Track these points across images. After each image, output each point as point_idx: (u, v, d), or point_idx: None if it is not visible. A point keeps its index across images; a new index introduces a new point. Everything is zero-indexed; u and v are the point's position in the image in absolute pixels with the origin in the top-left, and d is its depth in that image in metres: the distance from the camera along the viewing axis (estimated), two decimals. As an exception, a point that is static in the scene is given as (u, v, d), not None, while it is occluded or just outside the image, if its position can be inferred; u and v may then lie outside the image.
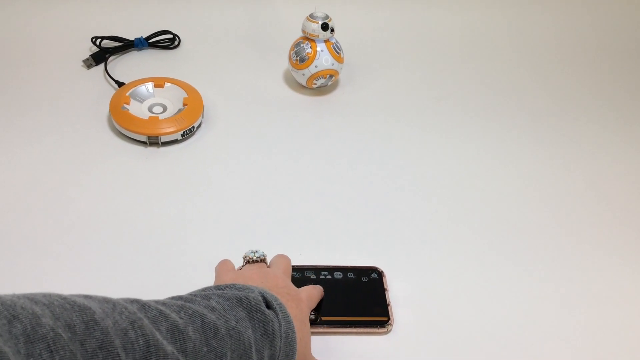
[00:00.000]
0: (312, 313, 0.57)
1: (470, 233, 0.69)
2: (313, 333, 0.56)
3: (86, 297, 0.35)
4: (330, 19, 0.83)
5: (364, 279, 0.62)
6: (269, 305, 0.46)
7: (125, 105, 0.78)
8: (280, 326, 0.44)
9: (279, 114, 0.85)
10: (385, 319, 0.58)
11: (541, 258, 0.67)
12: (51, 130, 0.77)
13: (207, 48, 0.97)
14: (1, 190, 0.69)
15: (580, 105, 0.92)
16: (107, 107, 0.80)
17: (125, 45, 0.93)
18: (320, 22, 0.82)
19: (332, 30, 0.83)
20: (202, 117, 0.81)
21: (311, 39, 0.83)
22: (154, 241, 0.65)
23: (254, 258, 0.55)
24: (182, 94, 0.81)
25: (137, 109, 0.78)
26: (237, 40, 0.99)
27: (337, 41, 0.86)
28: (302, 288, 0.55)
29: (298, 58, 0.84)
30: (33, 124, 0.78)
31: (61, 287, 0.58)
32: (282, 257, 0.58)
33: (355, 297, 0.60)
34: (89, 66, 0.89)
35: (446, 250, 0.67)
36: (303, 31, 0.84)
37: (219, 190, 0.72)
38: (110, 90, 0.85)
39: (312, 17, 0.82)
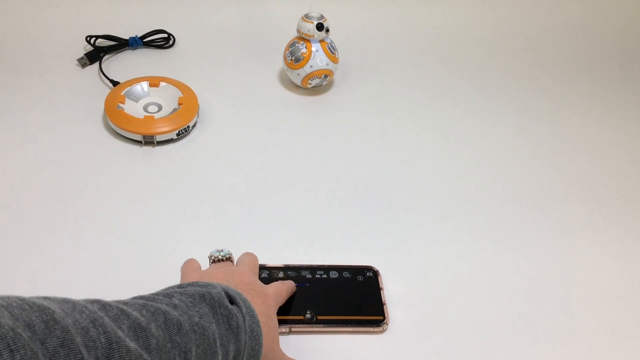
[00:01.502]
0: (308, 312, 0.57)
1: (465, 232, 0.70)
2: (309, 332, 0.56)
3: (45, 298, 0.35)
4: (325, 19, 0.83)
5: (360, 278, 0.62)
6: (232, 301, 0.46)
7: (121, 105, 0.77)
8: (244, 321, 0.45)
9: (273, 114, 0.85)
10: (381, 318, 0.58)
11: (536, 257, 0.67)
12: (46, 129, 0.77)
13: (202, 47, 0.97)
14: (-5, 189, 0.69)
15: (572, 103, 0.93)
16: (102, 106, 0.80)
17: (120, 45, 0.93)
18: (315, 22, 0.82)
19: (327, 30, 0.83)
20: (197, 117, 0.81)
21: (306, 39, 0.83)
22: (149, 240, 0.65)
23: (220, 257, 0.55)
24: (177, 94, 0.81)
25: (132, 108, 0.78)
26: (232, 40, 0.99)
27: (332, 41, 0.86)
28: (270, 284, 0.55)
29: (293, 58, 0.84)
30: (27, 123, 0.78)
31: (55, 285, 0.58)
32: (248, 255, 0.58)
33: (350, 296, 0.60)
34: (83, 65, 0.89)
35: (441, 249, 0.67)
36: (298, 31, 0.84)
37: (214, 189, 0.72)
38: (105, 89, 0.85)
39: (307, 17, 0.83)
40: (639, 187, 0.79)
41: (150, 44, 0.95)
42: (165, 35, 0.96)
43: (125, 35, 0.94)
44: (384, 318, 0.58)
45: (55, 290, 0.59)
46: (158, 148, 0.77)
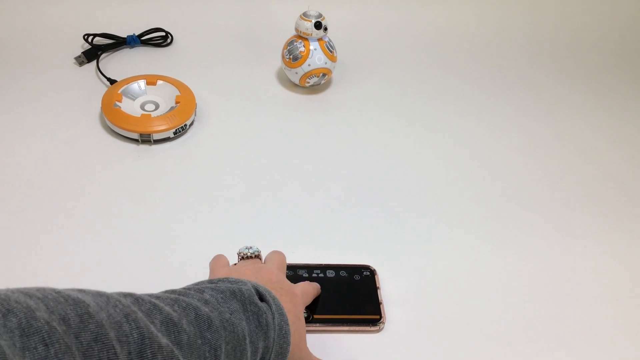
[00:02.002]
0: (305, 311, 0.57)
1: (462, 231, 0.69)
2: (306, 331, 0.56)
3: (80, 290, 0.35)
4: (324, 18, 0.83)
5: (357, 277, 0.62)
6: (262, 298, 0.46)
7: (118, 103, 0.77)
8: (273, 318, 0.45)
9: (271, 112, 0.84)
10: (378, 317, 0.58)
11: (534, 256, 0.67)
12: (43, 128, 0.77)
13: (200, 46, 0.96)
14: (-8, 187, 0.68)
15: (573, 103, 0.93)
16: (99, 105, 0.80)
17: (118, 43, 0.93)
18: (313, 21, 0.82)
19: (325, 28, 0.83)
20: (195, 115, 0.80)
21: (304, 38, 0.83)
22: (146, 239, 0.65)
23: (248, 254, 0.55)
24: (174, 92, 0.81)
25: (129, 107, 0.78)
26: (230, 38, 0.99)
27: (330, 40, 0.86)
28: (297, 284, 0.55)
29: (291, 56, 0.84)
30: (24, 121, 0.78)
31: (53, 284, 0.58)
32: (276, 253, 0.58)
33: (347, 295, 0.60)
34: (80, 63, 0.89)
35: (438, 248, 0.67)
36: (296, 29, 0.84)
37: (212, 188, 0.72)
38: (102, 87, 0.85)
39: (305, 15, 0.82)
40: (639, 186, 0.79)
41: (148, 43, 0.95)
42: (163, 34, 0.95)
43: (123, 33, 0.93)
44: (381, 317, 0.58)
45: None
46: (155, 146, 0.76)
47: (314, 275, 0.61)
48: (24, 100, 0.81)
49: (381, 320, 0.57)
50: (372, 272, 0.62)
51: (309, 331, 0.56)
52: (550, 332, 0.59)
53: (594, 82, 0.99)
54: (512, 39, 1.07)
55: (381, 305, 0.59)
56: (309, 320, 0.57)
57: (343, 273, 0.62)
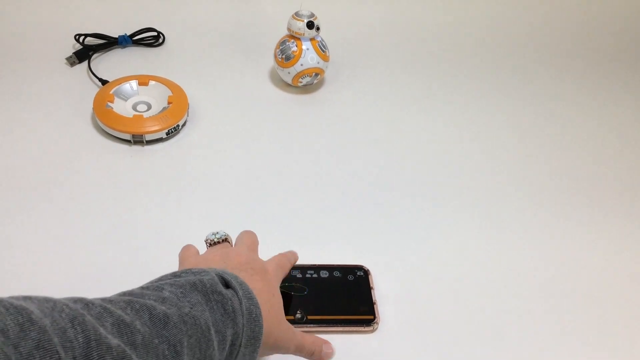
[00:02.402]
0: (299, 312, 0.57)
1: (455, 231, 0.70)
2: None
3: (26, 298, 0.34)
4: (316, 17, 0.83)
5: (350, 277, 0.62)
6: (228, 285, 0.46)
7: (109, 104, 0.77)
8: (241, 304, 0.44)
9: (264, 112, 0.84)
10: (371, 317, 0.58)
11: (528, 255, 0.68)
12: (34, 128, 0.77)
13: (191, 46, 0.96)
14: (-17, 189, 0.68)
15: (564, 100, 0.93)
16: (91, 105, 0.79)
17: (109, 43, 0.92)
18: (305, 21, 0.82)
19: (318, 28, 0.83)
20: (187, 115, 0.80)
21: (297, 37, 0.83)
22: (139, 240, 0.64)
23: (215, 240, 0.55)
24: (166, 92, 0.80)
25: (121, 107, 0.78)
26: (222, 38, 0.98)
27: (322, 39, 0.86)
28: (271, 258, 0.55)
29: (284, 56, 0.84)
30: (15, 122, 0.77)
31: (42, 285, 0.58)
32: (246, 233, 0.58)
33: (341, 295, 0.60)
34: (72, 64, 0.88)
35: (432, 248, 0.67)
36: (288, 29, 0.83)
37: (205, 188, 0.71)
38: (94, 88, 0.84)
39: (297, 15, 0.82)
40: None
41: (139, 42, 0.94)
42: (155, 34, 0.95)
43: (114, 33, 0.93)
44: (375, 317, 0.58)
45: (41, 290, 0.58)
46: (147, 147, 0.76)
47: (308, 275, 0.61)
48: (15, 100, 0.81)
49: (375, 320, 0.58)
50: (366, 273, 0.62)
51: (303, 332, 0.56)
52: (545, 330, 0.59)
53: (593, 77, 0.99)
54: (508, 33, 1.07)
55: (375, 306, 0.59)
56: (303, 321, 0.57)
57: (337, 273, 0.62)
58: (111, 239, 0.64)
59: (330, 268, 0.62)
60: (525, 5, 1.12)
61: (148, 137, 0.75)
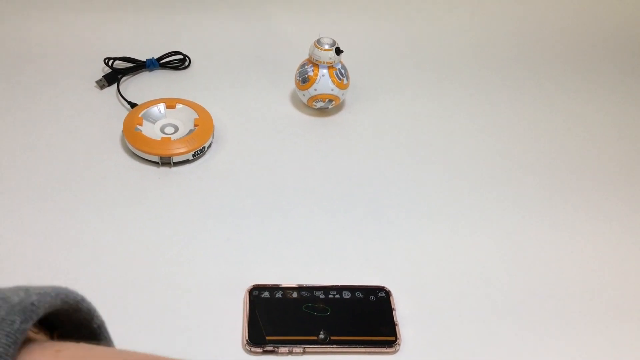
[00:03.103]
0: (322, 332, 0.59)
1: (477, 252, 0.71)
2: (323, 353, 0.58)
3: None
4: (336, 45, 0.84)
5: (372, 298, 0.63)
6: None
7: (138, 127, 0.80)
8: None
9: (287, 134, 0.86)
10: (393, 338, 0.59)
11: (551, 277, 0.68)
12: (65, 151, 0.79)
13: (216, 68, 0.99)
14: (14, 208, 0.71)
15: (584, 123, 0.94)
16: (120, 128, 0.82)
17: (137, 66, 0.95)
18: (326, 48, 0.84)
19: (338, 52, 0.85)
20: (212, 137, 0.82)
21: (315, 63, 0.85)
22: (165, 259, 0.67)
23: None
24: (193, 115, 0.83)
25: (149, 130, 0.80)
26: (245, 60, 1.01)
27: (342, 66, 0.87)
28: None
29: (300, 79, 0.86)
30: (47, 144, 0.80)
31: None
32: None
33: (363, 316, 0.61)
34: (102, 87, 0.91)
35: (453, 269, 0.68)
36: (310, 55, 0.86)
37: (229, 209, 0.74)
38: (123, 110, 0.87)
39: (319, 43, 0.84)
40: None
41: (166, 66, 0.97)
42: (181, 57, 0.98)
43: (142, 57, 0.96)
44: (396, 339, 0.59)
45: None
46: (174, 169, 0.78)
47: (331, 296, 0.63)
48: (47, 123, 0.84)
49: (397, 341, 0.59)
50: (387, 294, 0.64)
51: (326, 352, 0.58)
52: (572, 351, 0.60)
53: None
54: (526, 54, 1.08)
55: (397, 327, 0.60)
56: (326, 341, 0.58)
57: (359, 294, 0.63)
58: (138, 258, 0.66)
59: (352, 289, 0.64)
60: (555, 38, 1.14)
61: (175, 159, 0.78)
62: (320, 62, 0.85)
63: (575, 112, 0.96)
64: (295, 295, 0.62)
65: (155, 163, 0.78)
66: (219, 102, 0.90)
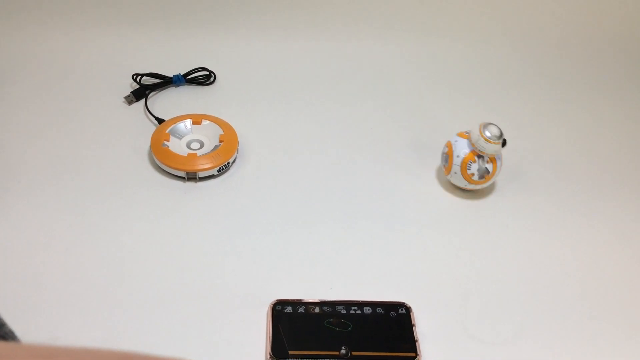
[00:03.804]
0: (343, 348, 0.60)
1: (498, 270, 0.71)
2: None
3: None
4: (503, 137, 0.76)
5: (392, 314, 0.64)
6: None
7: (166, 142, 0.82)
8: None
9: (306, 149, 0.88)
10: (414, 354, 0.60)
11: (568, 298, 0.69)
12: (94, 165, 0.82)
13: (240, 84, 1.01)
14: (44, 223, 0.73)
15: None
16: (148, 143, 0.85)
17: (164, 82, 0.98)
18: (495, 141, 0.75)
19: (504, 144, 0.76)
20: (237, 153, 0.84)
21: (479, 153, 0.77)
22: (190, 273, 0.68)
23: None
24: (218, 131, 0.85)
25: (176, 146, 0.82)
26: (268, 77, 1.03)
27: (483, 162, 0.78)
28: None
29: (477, 173, 0.78)
30: (76, 159, 0.83)
31: (101, 318, 0.62)
32: None
33: (384, 332, 0.62)
34: (130, 102, 0.94)
35: (474, 287, 0.69)
36: (473, 142, 0.76)
37: (253, 224, 0.75)
38: (150, 125, 0.90)
39: (487, 132, 0.75)
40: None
41: (192, 81, 1.00)
42: (207, 73, 1.00)
43: (169, 72, 0.99)
44: (417, 355, 0.60)
45: (97, 318, 0.62)
46: (200, 184, 0.81)
47: (352, 311, 0.64)
48: (77, 138, 0.86)
49: (417, 358, 0.60)
50: (408, 310, 0.65)
51: (347, 367, 0.59)
52: (583, 373, 0.61)
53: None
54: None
55: (417, 343, 0.61)
56: (347, 357, 0.59)
57: (379, 310, 0.65)
58: (165, 271, 0.68)
59: (373, 305, 0.65)
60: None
61: (201, 174, 0.80)
62: (484, 153, 0.76)
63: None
64: (317, 310, 0.64)
65: (182, 178, 0.81)
66: (242, 117, 0.93)
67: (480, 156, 0.77)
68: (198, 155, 0.81)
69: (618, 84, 1.08)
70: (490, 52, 1.12)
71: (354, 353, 0.60)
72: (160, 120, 0.89)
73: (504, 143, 0.76)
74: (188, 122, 0.86)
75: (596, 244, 0.76)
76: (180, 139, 0.84)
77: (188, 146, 0.84)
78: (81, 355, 0.34)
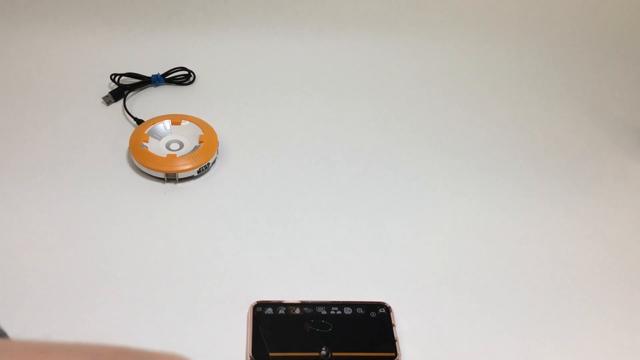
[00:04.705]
0: (324, 349, 0.60)
1: (477, 270, 0.72)
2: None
3: None
4: None
5: (373, 314, 0.65)
6: None
7: (145, 144, 0.81)
8: None
9: (287, 149, 0.88)
10: (393, 354, 0.61)
11: (546, 296, 0.70)
12: (72, 166, 0.81)
13: (220, 84, 1.00)
14: (21, 227, 0.72)
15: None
16: (126, 144, 0.84)
17: (143, 82, 0.97)
18: None
19: None
20: (217, 154, 0.84)
21: None
22: (170, 274, 0.68)
23: None
24: (198, 131, 0.85)
25: (155, 147, 0.82)
26: (248, 77, 1.03)
27: None
28: None
29: None
30: (54, 161, 0.82)
31: (78, 322, 0.62)
32: None
33: (364, 332, 0.63)
34: (108, 103, 0.93)
35: (453, 286, 0.70)
36: None
37: (233, 225, 0.75)
38: (129, 126, 0.89)
39: None
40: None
41: (171, 81, 0.99)
42: (186, 72, 1.00)
43: (147, 72, 0.98)
44: (396, 355, 0.61)
45: (76, 327, 0.62)
46: (180, 184, 0.80)
47: (332, 312, 0.65)
48: (54, 138, 0.86)
49: (397, 357, 0.60)
50: (388, 310, 0.65)
51: (328, 368, 0.59)
52: (559, 370, 0.62)
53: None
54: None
55: (397, 343, 0.62)
56: (328, 357, 0.60)
57: (360, 310, 0.65)
58: (145, 274, 0.68)
59: (353, 305, 0.65)
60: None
61: (180, 175, 0.80)
62: None
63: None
64: (298, 311, 0.64)
65: (161, 179, 0.80)
66: (222, 117, 0.92)
67: None
68: (178, 156, 0.80)
69: None
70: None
71: (334, 354, 0.60)
72: (139, 121, 0.88)
73: None
74: (167, 123, 0.86)
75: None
76: (160, 139, 0.84)
77: (167, 147, 0.83)
78: (75, 350, 0.35)
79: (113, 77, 0.96)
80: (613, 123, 0.99)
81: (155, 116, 0.87)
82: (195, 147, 0.82)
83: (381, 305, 0.66)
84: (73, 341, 0.34)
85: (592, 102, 1.04)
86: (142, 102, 0.95)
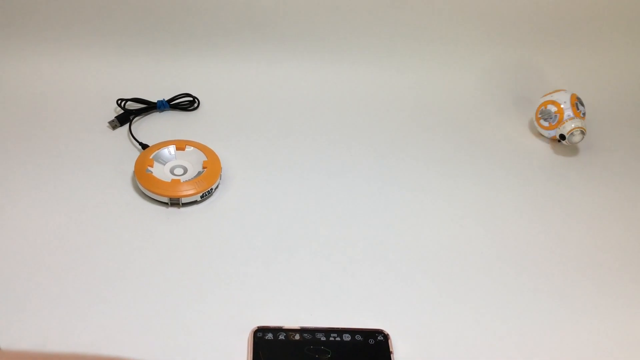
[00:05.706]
0: (323, 375, 0.61)
1: (476, 296, 0.73)
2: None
3: None
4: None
5: (371, 341, 0.66)
6: None
7: (149, 168, 0.83)
8: None
9: (289, 176, 0.90)
10: (391, 381, 0.61)
11: (549, 324, 0.71)
12: (78, 189, 0.83)
13: (224, 110, 1.02)
14: (26, 249, 0.73)
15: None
16: (131, 168, 0.86)
17: (148, 107, 0.99)
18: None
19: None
20: (220, 179, 0.86)
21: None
22: (171, 298, 0.69)
23: None
24: (201, 157, 0.86)
25: (159, 172, 0.83)
26: (252, 103, 1.05)
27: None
28: None
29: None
30: (60, 184, 0.83)
31: (82, 345, 0.62)
32: None
33: (362, 359, 0.63)
34: (114, 127, 0.95)
35: (451, 312, 0.71)
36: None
37: (235, 250, 0.76)
38: (134, 150, 0.91)
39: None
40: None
41: (176, 107, 1.01)
42: (190, 98, 1.02)
43: (153, 98, 1.00)
44: (394, 382, 0.61)
45: (81, 348, 0.63)
46: (183, 209, 0.82)
47: (332, 338, 0.65)
48: (60, 163, 0.87)
49: (394, 385, 0.61)
50: (386, 337, 0.66)
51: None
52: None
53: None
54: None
55: (394, 370, 0.63)
56: (326, 384, 0.61)
57: (358, 337, 0.66)
58: (146, 296, 0.69)
59: (352, 332, 0.66)
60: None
61: (184, 200, 0.81)
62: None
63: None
64: (297, 337, 0.65)
65: (165, 203, 0.82)
66: (225, 143, 0.94)
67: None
68: (181, 181, 0.82)
69: None
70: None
71: (333, 380, 0.61)
72: (144, 146, 0.90)
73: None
74: (172, 148, 0.87)
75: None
76: (164, 164, 0.86)
77: (171, 172, 0.85)
78: None
79: (119, 102, 0.98)
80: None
81: (159, 141, 0.89)
82: (199, 173, 0.84)
83: (379, 332, 0.67)
84: (68, 351, 0.35)
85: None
86: (147, 127, 0.97)
